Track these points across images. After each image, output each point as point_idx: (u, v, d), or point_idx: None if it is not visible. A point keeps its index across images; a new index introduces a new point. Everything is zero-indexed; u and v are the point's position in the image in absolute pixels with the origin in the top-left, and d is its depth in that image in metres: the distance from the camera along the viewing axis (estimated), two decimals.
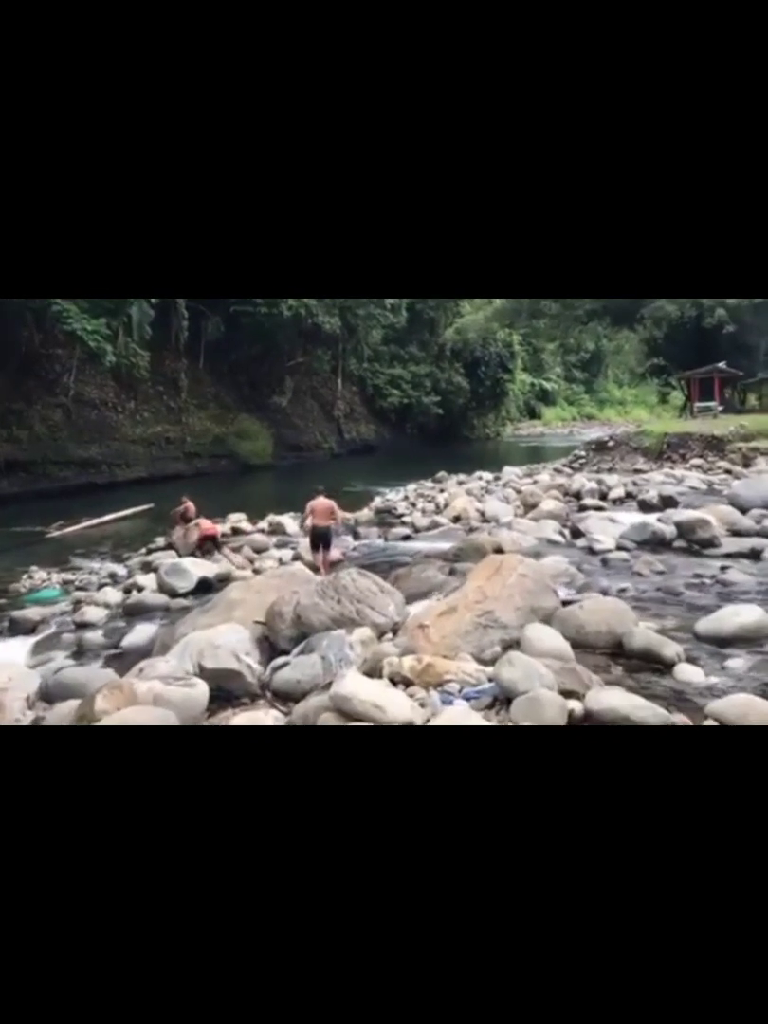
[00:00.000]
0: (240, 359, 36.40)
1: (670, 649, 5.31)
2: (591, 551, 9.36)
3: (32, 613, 10.02)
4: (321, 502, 9.96)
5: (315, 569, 9.64)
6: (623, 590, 7.31)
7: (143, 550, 15.01)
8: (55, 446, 26.51)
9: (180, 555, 14.56)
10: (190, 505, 15.22)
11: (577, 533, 10.45)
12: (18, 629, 9.82)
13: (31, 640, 9.24)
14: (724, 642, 5.67)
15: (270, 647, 5.75)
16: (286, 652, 5.47)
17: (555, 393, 74.33)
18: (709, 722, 3.98)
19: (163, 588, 10.42)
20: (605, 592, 7.22)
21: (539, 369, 70.81)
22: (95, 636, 8.64)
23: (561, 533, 10.91)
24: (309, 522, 10.07)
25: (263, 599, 6.23)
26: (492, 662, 4.71)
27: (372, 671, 4.74)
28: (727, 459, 20.79)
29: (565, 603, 6.11)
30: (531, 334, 50.06)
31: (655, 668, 5.19)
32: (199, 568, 10.94)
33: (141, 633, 8.43)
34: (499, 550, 8.84)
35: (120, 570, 13.49)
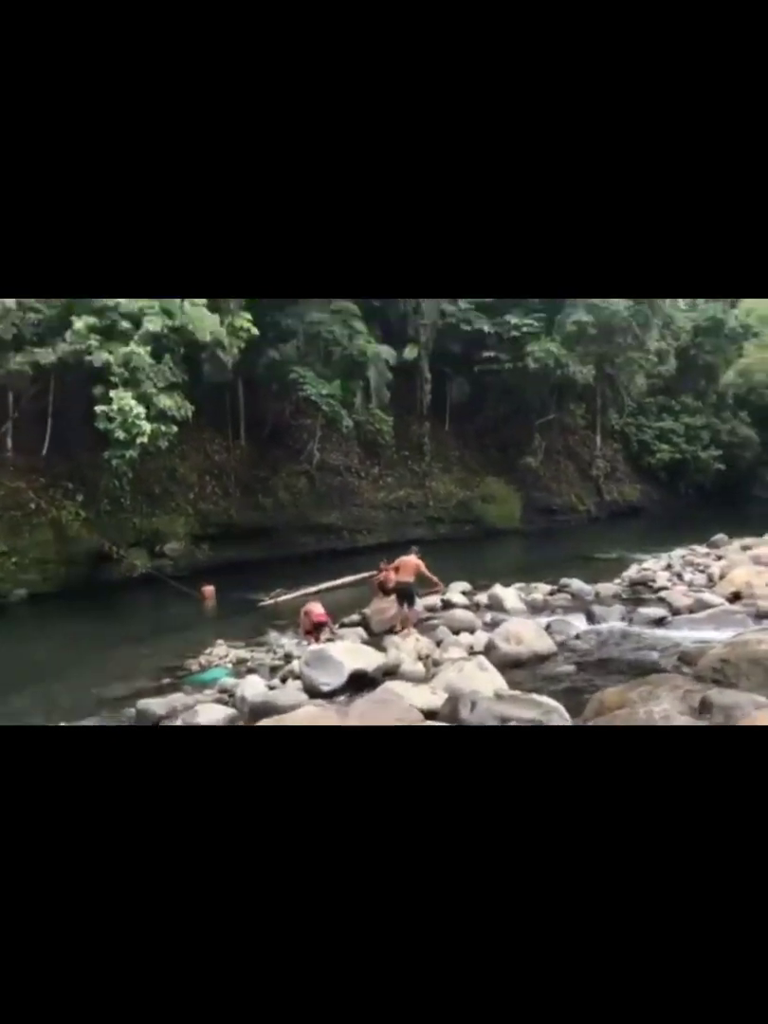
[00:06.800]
0: (487, 421, 34.76)
1: None
2: None
3: (157, 706, 8.41)
4: (407, 560, 11.20)
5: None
6: None
7: (337, 625, 13.17)
8: (297, 513, 26.90)
9: (371, 634, 12.45)
10: (391, 573, 12.79)
11: None
12: (143, 721, 8.31)
13: None
14: None
15: None
16: None
17: None
18: None
19: (305, 685, 8.16)
20: None
21: None
22: None
23: None
24: (393, 578, 11.36)
25: None
26: None
27: None
28: None
29: None
30: None
31: None
32: (355, 658, 8.52)
33: None
34: None
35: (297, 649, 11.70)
